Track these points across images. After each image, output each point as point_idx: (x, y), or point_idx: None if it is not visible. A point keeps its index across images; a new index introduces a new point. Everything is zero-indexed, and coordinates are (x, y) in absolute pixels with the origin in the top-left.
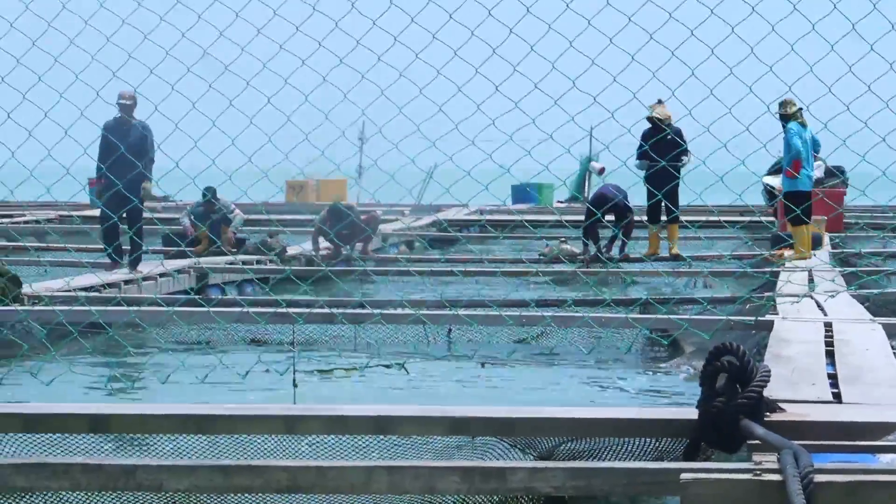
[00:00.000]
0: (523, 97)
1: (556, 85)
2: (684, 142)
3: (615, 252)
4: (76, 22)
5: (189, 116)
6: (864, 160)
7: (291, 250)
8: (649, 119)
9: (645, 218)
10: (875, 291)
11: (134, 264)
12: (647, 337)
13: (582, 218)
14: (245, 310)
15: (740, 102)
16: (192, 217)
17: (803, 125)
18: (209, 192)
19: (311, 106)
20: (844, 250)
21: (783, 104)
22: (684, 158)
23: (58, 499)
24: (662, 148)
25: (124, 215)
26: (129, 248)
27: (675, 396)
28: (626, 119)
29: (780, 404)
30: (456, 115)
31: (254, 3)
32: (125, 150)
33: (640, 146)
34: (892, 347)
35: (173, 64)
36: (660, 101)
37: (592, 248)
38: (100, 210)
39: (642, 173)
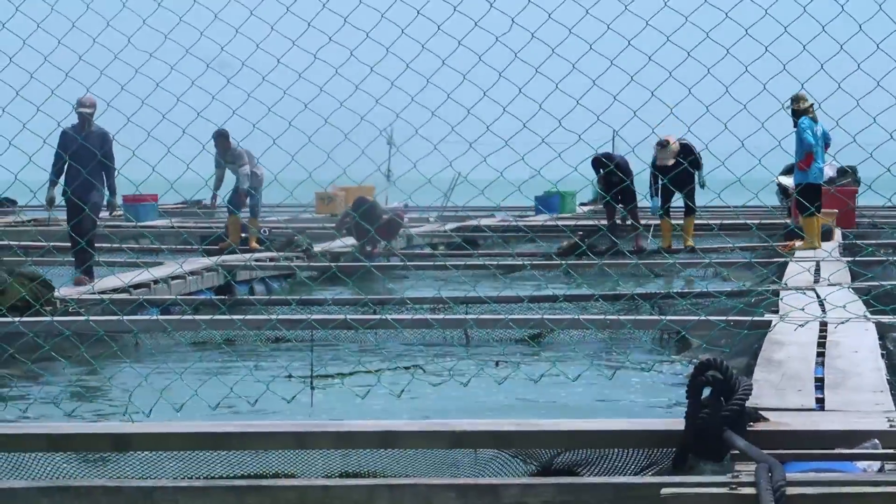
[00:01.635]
0: (545, 98)
1: (576, 88)
2: (697, 155)
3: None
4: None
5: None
6: (871, 157)
7: (317, 248)
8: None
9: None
10: (877, 284)
11: (88, 274)
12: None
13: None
14: (266, 317)
15: (753, 100)
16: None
17: (815, 120)
18: (219, 136)
19: (336, 112)
20: (855, 242)
21: (795, 99)
22: (699, 173)
23: None
24: (675, 174)
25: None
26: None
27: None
28: (649, 117)
29: (765, 412)
30: (483, 120)
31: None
32: (86, 159)
33: (651, 183)
34: (883, 345)
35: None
36: (663, 145)
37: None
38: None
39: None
